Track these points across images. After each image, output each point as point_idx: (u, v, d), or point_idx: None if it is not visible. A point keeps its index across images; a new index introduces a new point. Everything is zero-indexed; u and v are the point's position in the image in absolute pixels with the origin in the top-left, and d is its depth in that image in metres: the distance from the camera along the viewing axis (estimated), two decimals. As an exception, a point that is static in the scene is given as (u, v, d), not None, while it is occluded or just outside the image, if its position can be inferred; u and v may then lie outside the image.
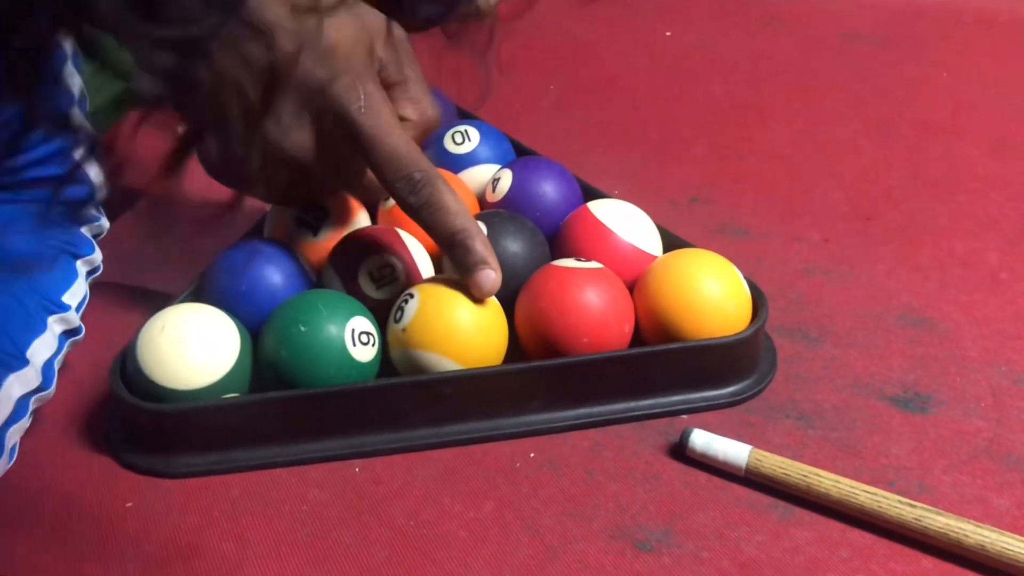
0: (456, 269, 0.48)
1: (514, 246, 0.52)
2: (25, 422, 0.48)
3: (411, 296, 0.48)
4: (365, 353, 0.47)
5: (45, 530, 0.44)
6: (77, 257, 0.58)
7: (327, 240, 0.55)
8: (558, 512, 0.44)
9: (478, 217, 0.54)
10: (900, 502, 0.41)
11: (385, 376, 0.48)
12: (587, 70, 0.94)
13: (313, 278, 0.53)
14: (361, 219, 0.57)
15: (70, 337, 0.54)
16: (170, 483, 0.47)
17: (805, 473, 0.43)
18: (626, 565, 0.41)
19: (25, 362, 0.49)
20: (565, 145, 0.76)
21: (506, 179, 0.58)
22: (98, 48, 0.34)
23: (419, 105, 0.50)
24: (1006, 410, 0.48)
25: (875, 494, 0.42)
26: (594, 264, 0.50)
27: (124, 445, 0.48)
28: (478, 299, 0.47)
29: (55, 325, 0.53)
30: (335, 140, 0.47)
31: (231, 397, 0.47)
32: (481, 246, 0.47)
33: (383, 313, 0.49)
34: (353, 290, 0.51)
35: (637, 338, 0.50)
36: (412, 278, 0.51)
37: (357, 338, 0.47)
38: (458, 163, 0.62)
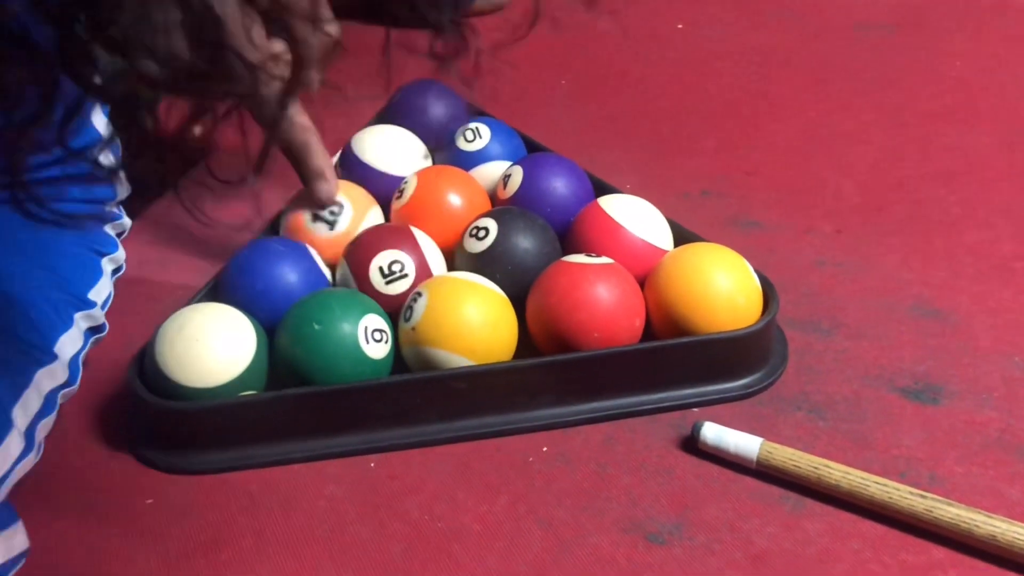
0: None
1: (525, 243, 0.53)
2: (52, 417, 0.49)
3: (420, 295, 0.48)
4: (378, 350, 0.48)
5: (67, 525, 0.45)
6: (102, 255, 0.59)
7: (344, 234, 0.55)
8: (571, 505, 0.44)
9: (489, 214, 0.54)
10: (911, 493, 0.42)
11: (398, 373, 0.49)
12: (598, 64, 0.94)
13: (328, 275, 0.54)
14: (374, 216, 0.58)
15: (95, 334, 0.55)
16: (189, 479, 0.47)
17: (816, 465, 0.44)
18: (638, 557, 0.41)
19: (53, 357, 0.50)
20: (576, 139, 0.77)
21: (517, 176, 0.58)
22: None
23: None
24: (1018, 400, 0.48)
25: (886, 485, 0.42)
26: (604, 260, 0.50)
27: (143, 442, 0.49)
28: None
29: (81, 321, 0.54)
30: None
31: (248, 394, 0.47)
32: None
33: (398, 309, 0.50)
34: (364, 286, 0.51)
35: (648, 332, 0.51)
36: (423, 274, 0.52)
37: (370, 335, 0.48)
38: (470, 160, 0.62)
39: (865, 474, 0.43)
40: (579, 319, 0.48)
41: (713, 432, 0.46)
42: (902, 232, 0.63)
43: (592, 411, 0.49)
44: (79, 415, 0.52)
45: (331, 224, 0.56)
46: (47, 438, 0.49)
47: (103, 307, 0.57)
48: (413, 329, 0.48)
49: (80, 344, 0.53)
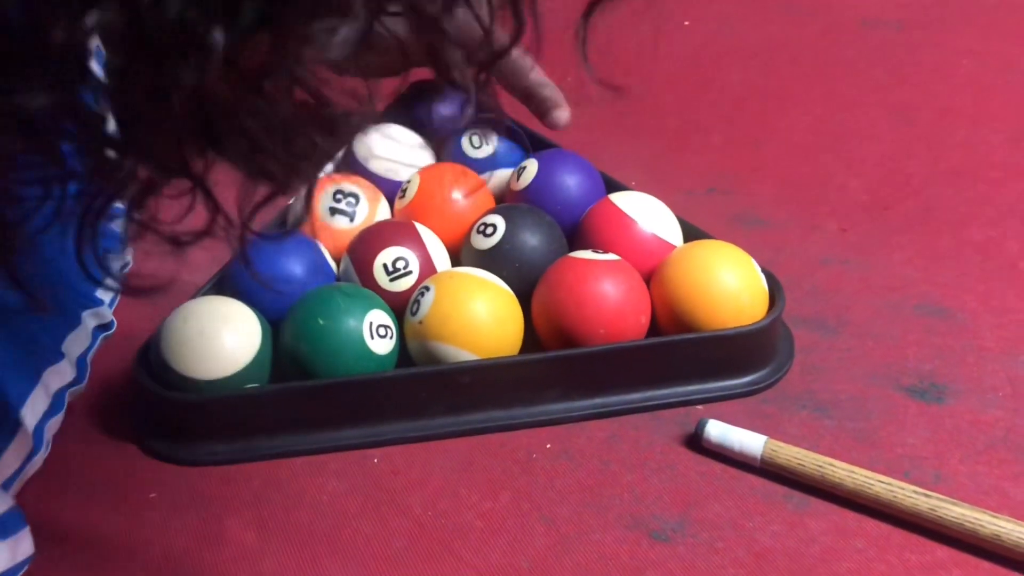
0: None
1: (532, 239, 0.53)
2: (61, 415, 0.49)
3: (427, 289, 0.48)
4: (383, 346, 0.48)
5: (71, 517, 0.45)
6: (110, 251, 0.59)
7: (357, 227, 0.55)
8: (574, 502, 0.44)
9: (497, 210, 0.54)
10: (915, 492, 0.41)
11: (402, 367, 0.49)
12: (604, 60, 0.93)
13: (335, 270, 0.54)
14: (383, 210, 0.58)
15: (103, 332, 0.55)
16: (193, 473, 0.47)
17: (820, 463, 0.43)
18: (641, 555, 0.41)
19: (61, 355, 0.50)
20: (582, 135, 0.76)
21: (532, 168, 0.58)
22: None
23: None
24: (1023, 399, 0.48)
25: (890, 484, 0.42)
26: (611, 256, 0.50)
27: (149, 434, 0.49)
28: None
29: (89, 320, 0.54)
30: None
31: (252, 387, 0.47)
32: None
33: (401, 306, 0.50)
34: (368, 283, 0.51)
35: (654, 329, 0.51)
36: (427, 271, 0.52)
37: (375, 331, 0.48)
38: (476, 167, 0.62)
39: (869, 473, 0.43)
40: (585, 315, 0.48)
41: (717, 430, 0.46)
42: (909, 230, 0.63)
43: (596, 407, 0.49)
44: (84, 408, 0.52)
45: (351, 216, 0.55)
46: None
47: (111, 305, 0.57)
48: (420, 323, 0.48)
49: (88, 342, 0.53)
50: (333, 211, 0.56)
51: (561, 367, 0.48)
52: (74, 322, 0.53)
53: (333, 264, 0.54)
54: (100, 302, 0.55)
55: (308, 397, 0.47)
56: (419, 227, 0.54)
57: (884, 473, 0.43)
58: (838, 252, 0.61)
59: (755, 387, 0.50)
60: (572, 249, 0.55)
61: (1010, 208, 0.64)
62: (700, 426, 0.46)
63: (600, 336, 0.48)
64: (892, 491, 0.42)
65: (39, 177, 0.29)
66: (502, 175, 0.62)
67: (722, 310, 0.49)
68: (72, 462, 0.49)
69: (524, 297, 0.51)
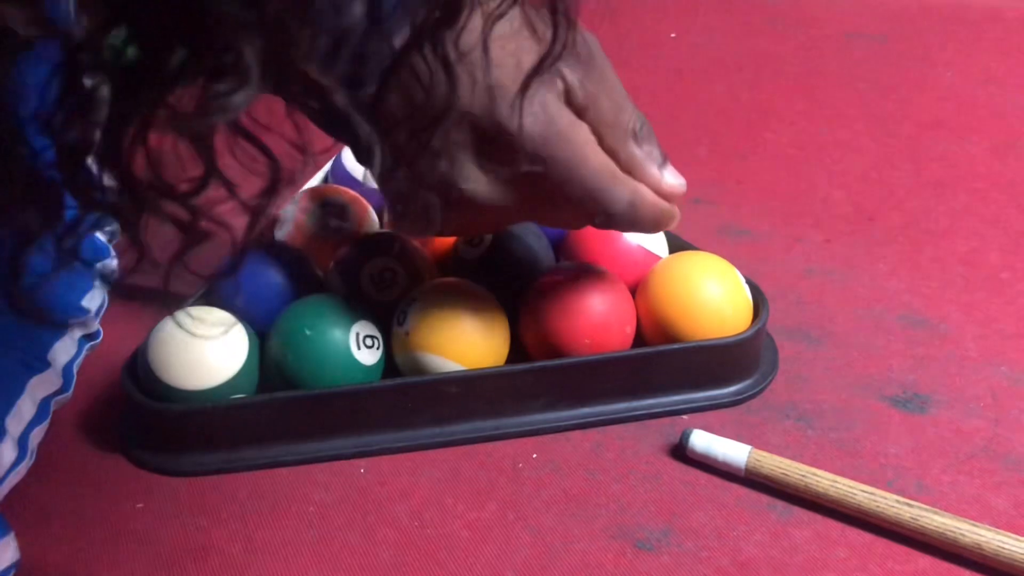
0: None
1: (519, 250, 0.53)
2: (46, 424, 0.49)
3: (413, 300, 0.49)
4: (369, 356, 0.48)
5: (57, 529, 0.45)
6: (96, 262, 0.59)
7: (344, 238, 0.55)
8: (560, 512, 0.45)
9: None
10: (898, 501, 0.42)
11: (389, 378, 0.49)
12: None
13: (322, 280, 0.54)
14: (371, 221, 0.58)
15: (89, 341, 0.55)
16: (179, 484, 0.47)
17: (804, 473, 0.44)
18: (626, 564, 0.42)
19: (47, 364, 0.50)
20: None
21: None
22: None
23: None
24: (1005, 410, 0.49)
25: (873, 494, 0.42)
26: (597, 267, 0.50)
27: (135, 444, 0.49)
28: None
29: (75, 329, 0.54)
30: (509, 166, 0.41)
31: (239, 397, 0.48)
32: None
33: (388, 316, 0.50)
34: (355, 293, 0.51)
35: (639, 340, 0.51)
36: (414, 282, 0.52)
37: (362, 342, 0.48)
38: None
39: (853, 482, 0.43)
40: (571, 325, 0.48)
41: (702, 440, 0.46)
42: (892, 241, 0.63)
43: (582, 417, 0.49)
44: (70, 417, 0.52)
45: (338, 229, 0.56)
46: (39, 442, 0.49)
47: (97, 314, 0.57)
48: (407, 334, 0.48)
49: (74, 352, 0.53)
50: (321, 222, 0.56)
51: (547, 377, 0.49)
52: (60, 331, 0.53)
53: (320, 274, 0.54)
54: (86, 311, 0.55)
55: (295, 408, 0.47)
56: (405, 238, 0.54)
57: (867, 482, 0.43)
58: (822, 263, 0.61)
59: (739, 397, 0.50)
60: (558, 260, 0.55)
61: (992, 219, 0.65)
62: (685, 436, 0.47)
63: (586, 347, 0.48)
64: (875, 500, 0.42)
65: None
66: None
67: (707, 321, 0.49)
68: (58, 472, 0.48)
69: (511, 308, 0.51)
